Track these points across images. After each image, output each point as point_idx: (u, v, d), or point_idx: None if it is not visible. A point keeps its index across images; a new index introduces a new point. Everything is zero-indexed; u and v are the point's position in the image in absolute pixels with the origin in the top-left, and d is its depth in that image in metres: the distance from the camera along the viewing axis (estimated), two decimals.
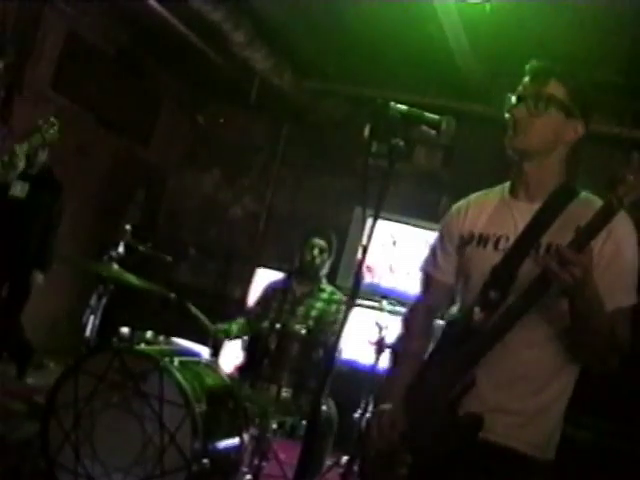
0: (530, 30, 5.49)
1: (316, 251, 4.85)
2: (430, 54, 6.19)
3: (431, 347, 2.39)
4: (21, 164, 4.10)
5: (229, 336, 4.61)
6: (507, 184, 2.39)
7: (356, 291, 2.28)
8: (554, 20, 5.30)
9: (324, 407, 4.27)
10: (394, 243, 7.13)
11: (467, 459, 2.13)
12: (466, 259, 2.34)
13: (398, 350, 2.55)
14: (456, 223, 2.44)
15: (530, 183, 2.28)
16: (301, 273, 4.91)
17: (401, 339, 2.54)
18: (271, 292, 4.95)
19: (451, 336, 2.29)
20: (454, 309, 2.41)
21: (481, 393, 2.15)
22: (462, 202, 2.49)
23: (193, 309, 4.44)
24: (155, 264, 5.08)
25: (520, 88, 2.28)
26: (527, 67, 2.31)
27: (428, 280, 2.49)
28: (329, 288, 4.94)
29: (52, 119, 4.30)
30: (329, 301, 4.83)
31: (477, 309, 2.18)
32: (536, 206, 2.24)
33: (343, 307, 4.79)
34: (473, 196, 2.49)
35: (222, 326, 4.64)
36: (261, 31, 6.48)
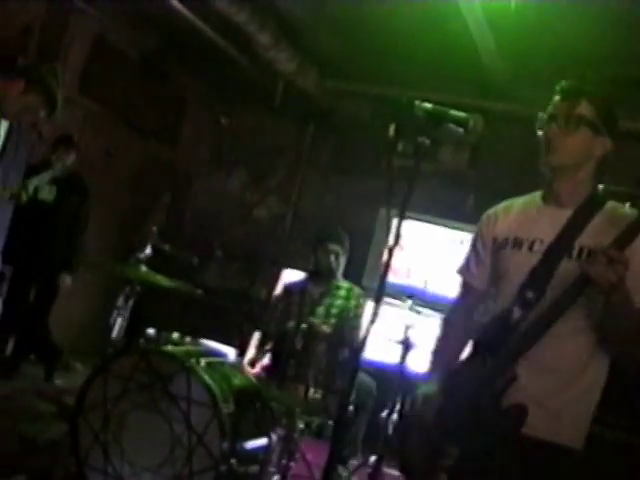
0: (554, 28, 5.46)
1: (332, 257, 4.91)
2: (454, 53, 6.17)
3: (470, 345, 2.49)
4: (25, 198, 4.12)
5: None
6: (538, 193, 2.51)
7: (382, 291, 2.28)
8: (578, 18, 5.27)
9: (362, 379, 4.30)
10: (420, 243, 7.11)
11: (505, 451, 2.22)
12: (502, 261, 2.46)
13: (437, 349, 2.65)
14: (487, 229, 2.57)
15: (562, 194, 2.42)
16: (317, 275, 4.96)
17: (441, 338, 2.66)
18: (289, 294, 4.98)
19: (491, 334, 2.38)
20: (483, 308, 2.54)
21: (520, 386, 2.25)
22: (492, 209, 2.61)
23: None
24: (181, 266, 5.10)
25: (551, 107, 2.40)
26: (558, 87, 2.41)
27: (465, 285, 2.64)
28: (346, 284, 4.99)
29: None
30: (347, 297, 4.88)
31: (516, 308, 2.30)
32: (567, 212, 2.37)
33: (362, 301, 4.83)
34: (503, 204, 2.60)
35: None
36: (285, 32, 6.50)
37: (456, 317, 2.66)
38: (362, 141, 7.82)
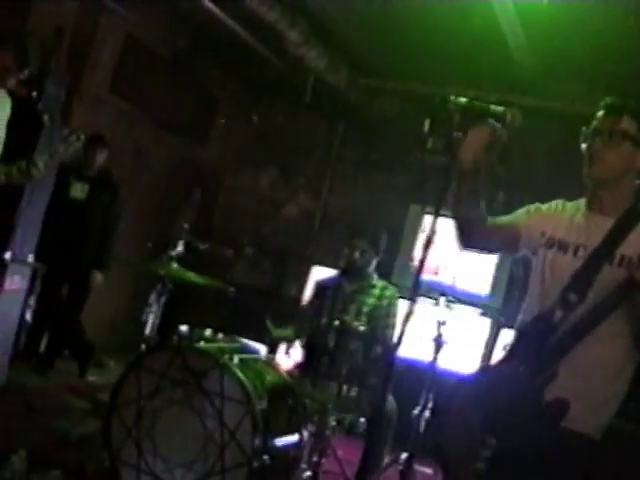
0: (585, 23, 5.42)
1: (357, 253, 4.84)
2: (485, 49, 6.15)
3: (506, 342, 2.61)
4: (37, 174, 4.12)
5: (290, 342, 4.67)
6: (583, 200, 2.61)
7: (417, 289, 2.29)
8: (609, 12, 5.22)
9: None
10: (448, 240, 7.07)
11: (546, 444, 2.34)
12: (546, 261, 2.57)
13: None
14: (541, 218, 2.67)
15: (605, 204, 2.54)
16: (349, 272, 4.94)
17: None
18: (322, 291, 4.96)
19: (532, 333, 2.48)
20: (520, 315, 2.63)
21: (560, 383, 2.36)
22: (544, 205, 2.71)
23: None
24: (212, 263, 5.12)
25: (595, 122, 2.50)
26: (602, 103, 2.52)
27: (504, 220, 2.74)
28: (380, 283, 4.94)
29: (80, 134, 4.30)
30: (380, 296, 4.83)
31: (558, 310, 2.42)
32: (610, 221, 2.48)
33: (395, 301, 4.80)
34: (552, 203, 2.70)
35: (282, 332, 4.68)
36: (316, 29, 6.50)
37: None
38: (392, 138, 7.81)
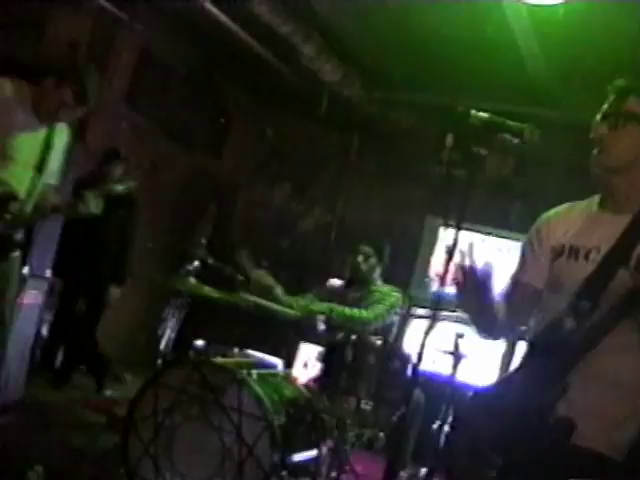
0: (601, 34, 5.39)
1: (360, 257, 4.94)
2: (499, 60, 6.13)
3: (520, 355, 2.42)
4: (84, 210, 4.14)
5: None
6: (596, 197, 2.43)
7: (439, 302, 2.26)
8: (625, 24, 5.20)
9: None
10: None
11: (554, 462, 2.16)
12: (557, 271, 2.38)
13: None
14: (546, 233, 2.48)
15: (617, 197, 2.34)
16: (351, 279, 4.99)
17: None
18: (328, 293, 5.01)
19: (542, 344, 2.31)
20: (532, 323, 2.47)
21: (571, 398, 2.18)
22: (551, 212, 2.53)
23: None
24: (228, 277, 5.10)
25: (604, 107, 2.35)
26: (609, 87, 2.38)
27: (514, 284, 2.54)
28: (385, 288, 4.99)
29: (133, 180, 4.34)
30: (380, 300, 4.87)
31: (569, 318, 2.22)
32: (625, 219, 2.28)
33: (396, 301, 4.83)
34: (561, 207, 2.52)
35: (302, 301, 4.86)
36: (330, 43, 6.51)
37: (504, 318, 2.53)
38: (407, 150, 7.80)
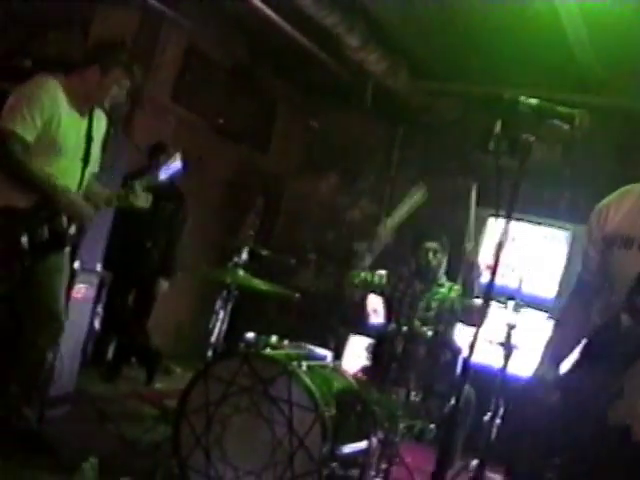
0: None
1: (430, 254, 4.94)
2: (546, 48, 6.05)
3: (579, 351, 2.34)
4: (135, 200, 4.19)
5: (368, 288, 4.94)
6: None
7: (491, 292, 2.24)
8: None
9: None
10: (514, 241, 6.96)
11: (613, 464, 2.13)
12: (611, 261, 2.32)
13: (547, 349, 2.56)
14: (598, 224, 2.42)
15: None
16: (419, 274, 4.97)
17: (552, 338, 2.59)
18: (394, 279, 5.05)
19: (599, 342, 2.24)
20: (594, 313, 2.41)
21: (628, 399, 2.12)
22: (604, 202, 2.46)
23: None
24: (276, 269, 5.12)
25: None
26: None
27: (580, 280, 2.54)
28: (448, 284, 4.98)
29: (177, 156, 4.37)
30: (447, 296, 4.87)
31: (625, 316, 2.12)
32: None
33: (461, 301, 4.81)
34: (614, 195, 2.45)
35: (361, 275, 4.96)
36: (375, 33, 6.47)
37: (568, 316, 2.56)
38: (453, 140, 7.74)
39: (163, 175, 4.26)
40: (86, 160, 4.00)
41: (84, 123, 3.98)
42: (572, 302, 2.58)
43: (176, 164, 4.30)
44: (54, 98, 3.80)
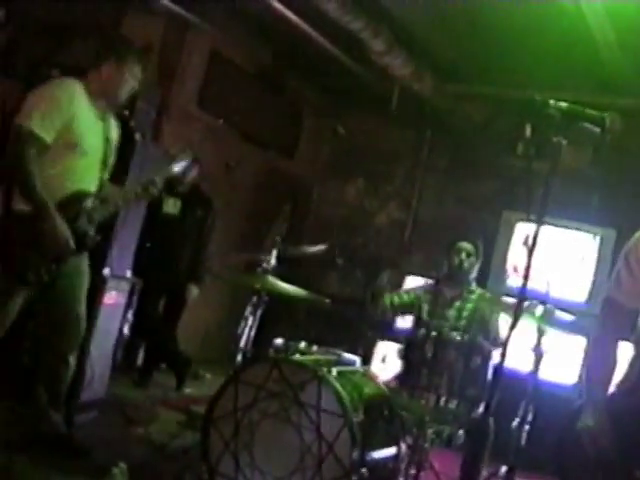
0: None
1: (463, 255, 4.85)
2: (573, 50, 6.00)
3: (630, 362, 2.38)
4: (156, 192, 4.22)
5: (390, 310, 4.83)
6: None
7: (524, 297, 2.22)
8: None
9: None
10: (542, 245, 6.90)
11: None
12: None
13: (591, 368, 2.57)
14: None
15: None
16: (450, 277, 4.90)
17: (594, 357, 2.58)
18: (420, 292, 4.95)
19: None
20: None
21: None
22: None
23: None
24: (304, 275, 5.11)
25: None
26: None
27: (613, 303, 2.49)
28: (478, 290, 4.91)
29: (188, 151, 4.43)
30: (479, 302, 4.79)
31: None
32: None
33: (496, 307, 4.74)
34: None
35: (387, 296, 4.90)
36: (400, 38, 6.45)
37: (606, 337, 2.52)
38: (479, 144, 7.70)
39: (177, 168, 4.30)
40: (105, 162, 4.03)
41: (102, 125, 4.00)
42: (606, 321, 2.54)
43: (188, 158, 4.35)
44: (72, 97, 3.82)
